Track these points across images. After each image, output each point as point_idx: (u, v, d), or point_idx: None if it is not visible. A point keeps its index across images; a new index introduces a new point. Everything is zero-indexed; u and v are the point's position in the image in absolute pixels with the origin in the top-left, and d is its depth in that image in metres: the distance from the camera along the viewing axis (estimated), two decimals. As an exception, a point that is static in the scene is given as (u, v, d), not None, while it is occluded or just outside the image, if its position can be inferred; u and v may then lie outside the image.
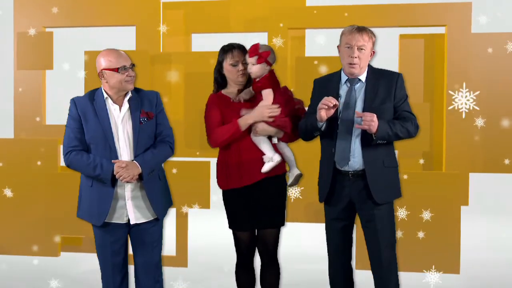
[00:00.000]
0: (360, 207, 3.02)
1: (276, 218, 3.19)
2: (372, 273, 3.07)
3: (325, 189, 3.06)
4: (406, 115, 2.97)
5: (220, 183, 3.22)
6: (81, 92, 4.19)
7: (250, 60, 3.07)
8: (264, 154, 3.12)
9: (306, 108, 3.20)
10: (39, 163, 4.41)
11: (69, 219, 4.08)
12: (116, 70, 2.88)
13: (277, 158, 3.11)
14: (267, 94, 3.10)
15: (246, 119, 3.09)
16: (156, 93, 3.08)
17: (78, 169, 2.95)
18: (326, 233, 3.14)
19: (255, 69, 3.08)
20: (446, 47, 4.01)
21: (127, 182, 2.89)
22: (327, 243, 3.15)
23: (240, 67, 3.15)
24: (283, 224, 3.22)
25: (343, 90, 3.01)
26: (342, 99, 2.99)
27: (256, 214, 3.15)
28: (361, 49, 2.91)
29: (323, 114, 2.88)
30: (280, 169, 3.19)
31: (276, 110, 3.07)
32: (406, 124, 2.94)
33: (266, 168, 3.10)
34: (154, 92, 3.08)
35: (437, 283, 4.01)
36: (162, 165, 3.13)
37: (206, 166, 4.19)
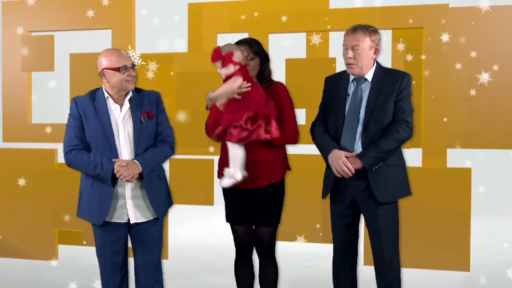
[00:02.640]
0: (363, 206, 3.01)
1: (272, 216, 3.18)
2: (375, 270, 3.06)
3: (329, 186, 3.07)
4: (395, 118, 2.93)
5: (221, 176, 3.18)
6: (67, 93, 4.33)
7: (216, 64, 3.03)
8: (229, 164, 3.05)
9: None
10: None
11: (68, 214, 4.30)
12: (117, 69, 2.87)
13: (239, 176, 3.01)
14: (235, 79, 2.98)
15: (216, 95, 2.99)
16: (157, 93, 3.06)
17: (78, 168, 2.94)
18: (332, 229, 3.14)
19: (223, 72, 3.03)
20: (423, 48, 4.00)
21: (128, 181, 2.87)
22: (333, 239, 3.15)
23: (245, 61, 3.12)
24: (278, 222, 3.20)
25: (351, 89, 3.02)
26: (349, 98, 3.00)
27: (253, 211, 3.14)
28: (355, 49, 2.92)
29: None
30: (280, 175, 3.17)
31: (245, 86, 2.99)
32: (391, 134, 2.90)
33: (225, 183, 3.04)
34: (154, 92, 3.06)
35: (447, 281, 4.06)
36: (163, 164, 3.11)
37: (210, 164, 4.18)
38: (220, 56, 3.00)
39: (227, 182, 3.05)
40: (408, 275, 3.94)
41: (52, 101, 4.61)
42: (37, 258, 4.52)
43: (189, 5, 4.34)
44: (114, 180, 2.88)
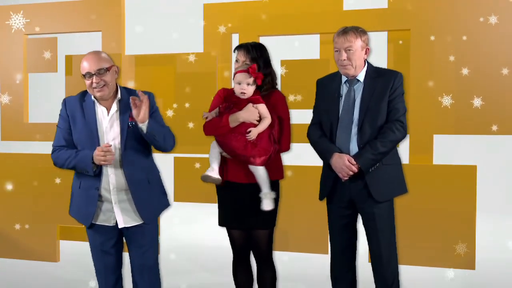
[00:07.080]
0: (360, 206, 3.02)
1: (267, 219, 3.12)
2: (372, 269, 3.07)
3: (327, 188, 3.08)
4: (389, 119, 2.95)
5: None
6: (61, 94, 4.37)
7: (250, 80, 3.01)
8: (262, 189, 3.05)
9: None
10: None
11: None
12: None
13: (273, 195, 3.05)
14: (267, 115, 3.06)
15: (237, 117, 3.03)
16: (149, 94, 2.91)
17: (60, 163, 2.87)
18: (330, 231, 3.14)
19: (251, 90, 3.04)
20: (410, 50, 4.04)
21: (104, 162, 2.76)
22: (330, 240, 3.15)
23: (238, 65, 3.13)
24: (274, 225, 3.16)
25: (343, 90, 3.03)
26: (342, 100, 3.02)
27: (248, 213, 3.10)
28: (349, 50, 2.94)
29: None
30: (274, 176, 3.13)
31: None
32: (386, 135, 2.92)
33: (268, 206, 3.03)
34: (146, 93, 2.89)
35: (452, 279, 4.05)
36: (158, 167, 3.03)
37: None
38: (257, 74, 3.02)
39: (267, 204, 3.05)
40: (414, 272, 3.97)
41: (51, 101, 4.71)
42: (39, 255, 4.58)
43: (204, 5, 4.40)
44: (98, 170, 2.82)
